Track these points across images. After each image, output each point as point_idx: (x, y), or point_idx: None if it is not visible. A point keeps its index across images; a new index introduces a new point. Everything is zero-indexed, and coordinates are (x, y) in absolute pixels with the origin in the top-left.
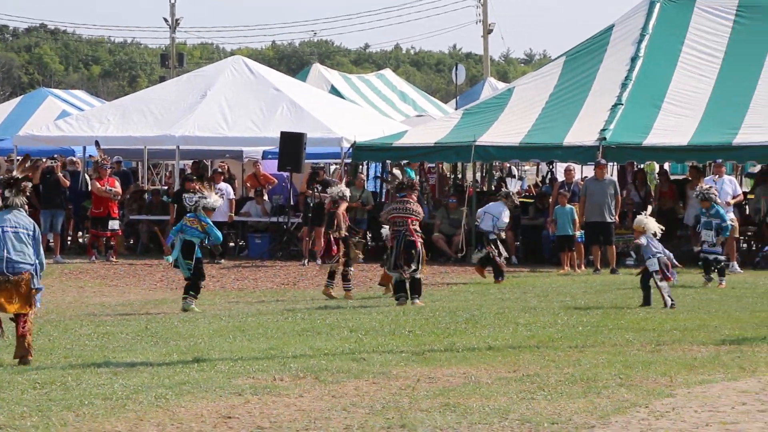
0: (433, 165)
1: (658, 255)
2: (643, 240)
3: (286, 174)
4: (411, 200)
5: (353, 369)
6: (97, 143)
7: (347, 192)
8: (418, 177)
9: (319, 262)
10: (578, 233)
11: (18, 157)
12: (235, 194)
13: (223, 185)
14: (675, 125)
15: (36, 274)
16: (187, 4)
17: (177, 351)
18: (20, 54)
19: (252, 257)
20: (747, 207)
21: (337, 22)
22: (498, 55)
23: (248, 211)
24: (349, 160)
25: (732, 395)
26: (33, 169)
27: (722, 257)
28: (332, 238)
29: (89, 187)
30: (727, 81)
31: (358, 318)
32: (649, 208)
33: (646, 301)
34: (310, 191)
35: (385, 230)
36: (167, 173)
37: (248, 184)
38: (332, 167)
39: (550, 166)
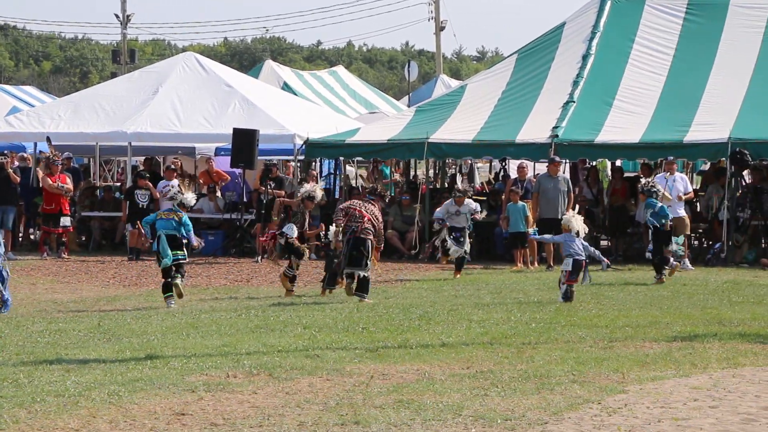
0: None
1: (575, 256)
2: (558, 238)
3: (239, 171)
4: (375, 205)
5: (307, 366)
6: (48, 139)
7: (318, 193)
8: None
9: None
10: (531, 230)
11: None
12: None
13: (175, 182)
14: (626, 122)
15: None
16: (138, 1)
17: (130, 348)
18: None
19: (205, 254)
20: (698, 204)
21: (290, 18)
22: (450, 53)
23: (201, 208)
24: (302, 157)
25: (684, 391)
26: None
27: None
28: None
29: (40, 184)
30: (678, 78)
31: (312, 315)
32: (577, 207)
33: (567, 297)
34: (263, 188)
35: (332, 230)
36: (119, 170)
37: (201, 181)
38: (291, 165)
39: (503, 164)
